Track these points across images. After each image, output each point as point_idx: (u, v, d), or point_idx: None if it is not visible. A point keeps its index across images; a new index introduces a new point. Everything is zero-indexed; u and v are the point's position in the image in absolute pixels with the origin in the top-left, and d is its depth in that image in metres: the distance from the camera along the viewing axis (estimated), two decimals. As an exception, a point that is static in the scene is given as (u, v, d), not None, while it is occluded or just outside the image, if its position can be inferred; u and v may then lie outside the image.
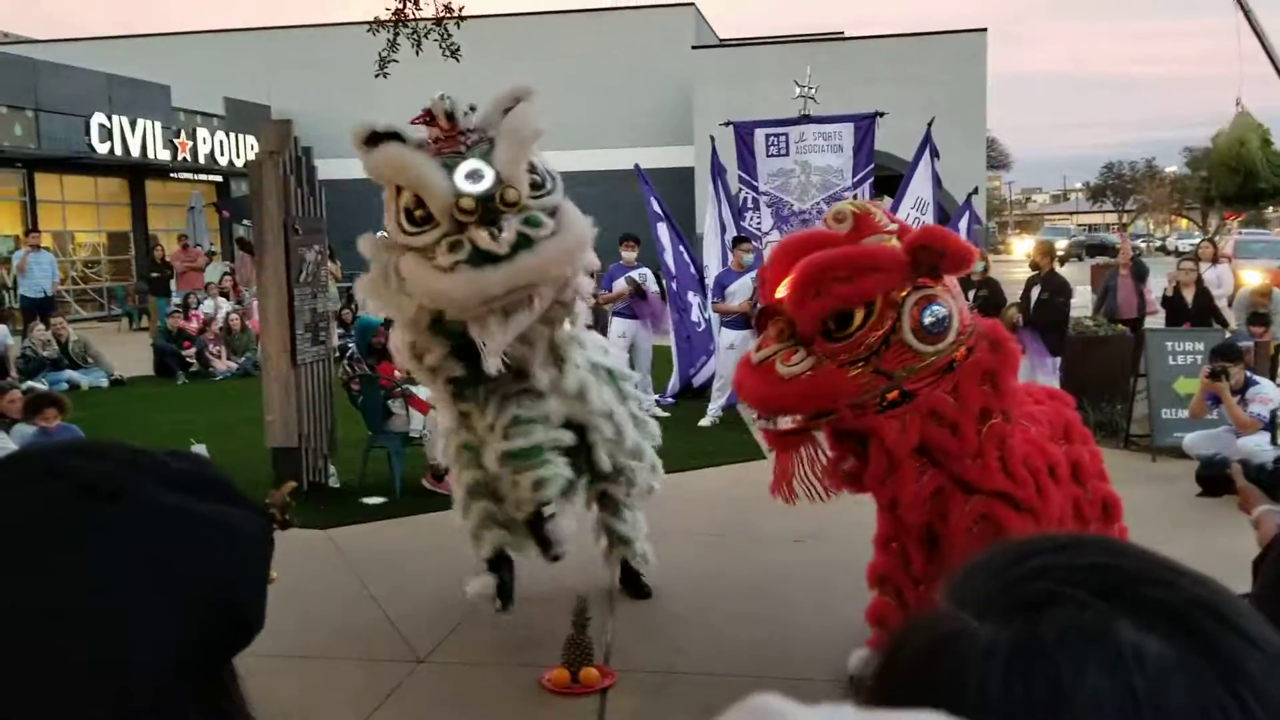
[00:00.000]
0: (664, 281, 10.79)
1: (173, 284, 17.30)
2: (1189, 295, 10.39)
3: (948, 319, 3.53)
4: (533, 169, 4.00)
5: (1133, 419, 8.87)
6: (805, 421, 3.63)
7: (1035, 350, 9.16)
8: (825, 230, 3.69)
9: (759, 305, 3.66)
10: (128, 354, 14.53)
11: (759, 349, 3.62)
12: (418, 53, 8.95)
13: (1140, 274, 11.88)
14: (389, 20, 8.69)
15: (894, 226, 3.71)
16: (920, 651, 0.54)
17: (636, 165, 11.13)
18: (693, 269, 11.03)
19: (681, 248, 11.07)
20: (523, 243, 3.68)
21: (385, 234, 4.10)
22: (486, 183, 3.73)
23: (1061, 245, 39.38)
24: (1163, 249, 52.14)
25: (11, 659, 0.65)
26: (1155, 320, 11.09)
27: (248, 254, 17.81)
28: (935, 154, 10.66)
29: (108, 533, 0.71)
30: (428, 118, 3.99)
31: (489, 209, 3.69)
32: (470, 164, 3.78)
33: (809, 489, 3.82)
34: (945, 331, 3.52)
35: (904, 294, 3.50)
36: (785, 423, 3.64)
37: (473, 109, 4.04)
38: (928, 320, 3.48)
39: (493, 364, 3.83)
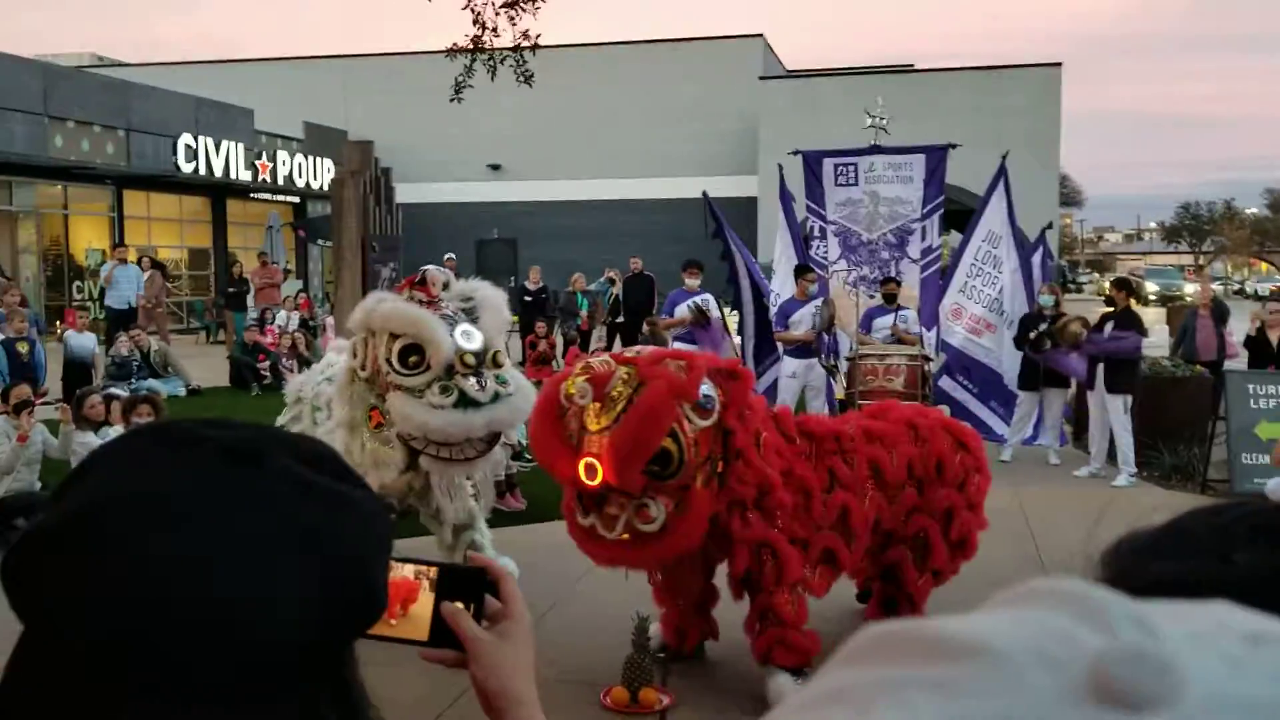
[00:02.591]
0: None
1: (250, 299, 17.76)
2: (1275, 337, 10.11)
3: (710, 393, 4.18)
4: None
5: (1210, 463, 8.66)
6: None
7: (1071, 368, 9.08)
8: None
9: (605, 482, 4.13)
10: (204, 365, 14.91)
11: (607, 526, 4.19)
12: (493, 78, 9.12)
13: (1221, 315, 11.60)
14: (467, 48, 8.88)
15: (623, 359, 4.26)
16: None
17: (705, 193, 11.18)
18: (759, 290, 11.03)
19: (749, 270, 11.09)
20: (496, 397, 4.52)
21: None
22: (478, 343, 4.57)
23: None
24: (1241, 292, 50.71)
25: (151, 613, 0.66)
26: (1236, 364, 10.83)
27: (158, 270, 17.81)
28: (1009, 188, 10.57)
29: (251, 494, 0.72)
30: (418, 285, 4.76)
31: (477, 364, 4.52)
32: (465, 326, 4.59)
33: None
34: (713, 399, 4.18)
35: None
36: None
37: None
38: (702, 402, 4.14)
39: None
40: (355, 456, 4.76)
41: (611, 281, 17.35)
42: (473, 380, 4.47)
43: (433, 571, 1.00)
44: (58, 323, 18.74)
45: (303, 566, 0.71)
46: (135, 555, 0.68)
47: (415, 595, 0.98)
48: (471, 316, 4.76)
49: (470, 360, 4.47)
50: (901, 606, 4.91)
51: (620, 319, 16.41)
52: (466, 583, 1.00)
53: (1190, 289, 37.29)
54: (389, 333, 4.56)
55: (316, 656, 0.73)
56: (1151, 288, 40.10)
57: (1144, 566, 0.56)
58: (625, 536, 4.16)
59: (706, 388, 4.15)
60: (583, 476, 4.08)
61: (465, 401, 4.44)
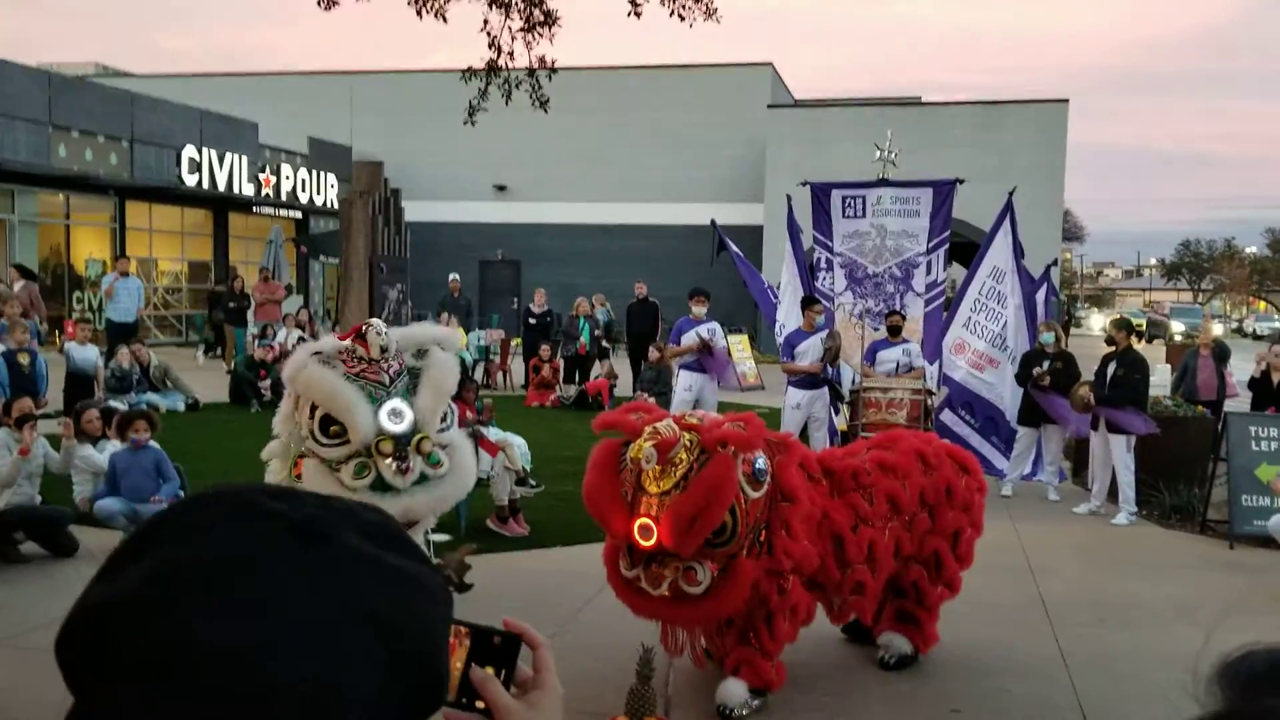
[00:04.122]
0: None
1: (250, 315, 17.70)
2: (1278, 379, 10.10)
3: (763, 466, 4.28)
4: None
5: (1210, 504, 8.64)
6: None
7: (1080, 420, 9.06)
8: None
9: (659, 544, 4.15)
10: (203, 380, 14.85)
11: (652, 582, 4.23)
12: (507, 102, 9.15)
13: (1222, 355, 11.61)
14: (482, 70, 8.92)
15: (685, 425, 4.29)
16: None
17: (713, 221, 11.20)
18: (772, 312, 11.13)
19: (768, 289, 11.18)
20: (421, 480, 4.15)
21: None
22: (405, 425, 4.15)
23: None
24: (1239, 331, 50.79)
25: (219, 695, 0.65)
26: (1237, 404, 10.81)
27: (30, 281, 15.40)
28: (1015, 223, 10.59)
29: (317, 573, 0.70)
30: (359, 338, 4.28)
31: (401, 446, 4.13)
32: (393, 403, 4.16)
33: None
34: (765, 470, 4.30)
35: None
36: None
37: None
38: (757, 475, 4.25)
39: None
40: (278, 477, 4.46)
41: (594, 305, 17.50)
42: (392, 462, 4.10)
43: (469, 633, 0.98)
44: (56, 333, 18.69)
45: (372, 657, 0.69)
46: (205, 639, 0.65)
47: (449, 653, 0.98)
48: (414, 378, 4.35)
49: (386, 448, 4.10)
50: (921, 619, 5.13)
51: (604, 342, 16.48)
52: (501, 648, 0.99)
53: (1218, 329, 37.16)
54: (311, 401, 4.22)
55: None
56: (1177, 328, 38.73)
57: (1256, 698, 0.56)
58: (667, 594, 4.22)
59: (760, 461, 4.28)
60: (637, 536, 4.14)
61: (382, 485, 4.10)
